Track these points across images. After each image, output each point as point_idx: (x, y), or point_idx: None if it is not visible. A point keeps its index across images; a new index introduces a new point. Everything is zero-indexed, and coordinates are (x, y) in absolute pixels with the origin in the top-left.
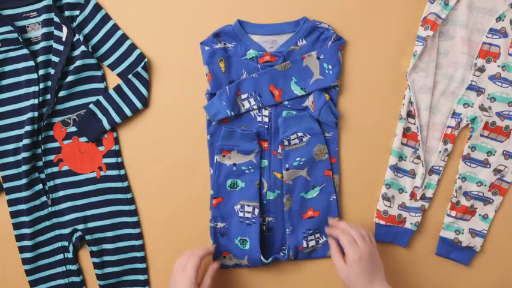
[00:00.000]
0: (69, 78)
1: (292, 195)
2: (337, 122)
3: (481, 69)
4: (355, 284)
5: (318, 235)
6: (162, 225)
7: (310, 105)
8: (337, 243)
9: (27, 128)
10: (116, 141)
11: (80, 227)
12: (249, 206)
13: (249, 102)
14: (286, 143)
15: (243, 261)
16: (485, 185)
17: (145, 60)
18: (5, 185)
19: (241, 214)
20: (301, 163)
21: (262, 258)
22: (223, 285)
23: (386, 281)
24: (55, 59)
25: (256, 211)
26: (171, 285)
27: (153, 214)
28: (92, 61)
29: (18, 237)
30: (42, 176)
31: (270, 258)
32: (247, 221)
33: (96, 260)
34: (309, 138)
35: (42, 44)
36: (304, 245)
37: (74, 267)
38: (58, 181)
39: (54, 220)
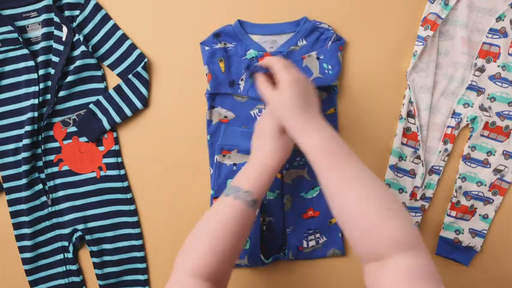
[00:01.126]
0: (69, 78)
1: (292, 195)
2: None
3: (481, 69)
4: (288, 110)
5: (318, 235)
6: (162, 225)
7: None
8: (265, 75)
9: (27, 128)
10: (116, 141)
11: (80, 227)
12: None
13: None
14: None
15: (243, 261)
16: (485, 185)
17: (145, 60)
18: (5, 185)
19: None
20: (301, 163)
21: (262, 258)
22: None
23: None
24: (55, 59)
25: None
26: (255, 135)
27: (153, 214)
28: (92, 61)
29: (18, 237)
30: (42, 176)
31: (270, 258)
32: None
33: (96, 260)
34: None
35: (42, 44)
36: (305, 245)
37: (74, 267)
38: (58, 181)
39: (54, 220)
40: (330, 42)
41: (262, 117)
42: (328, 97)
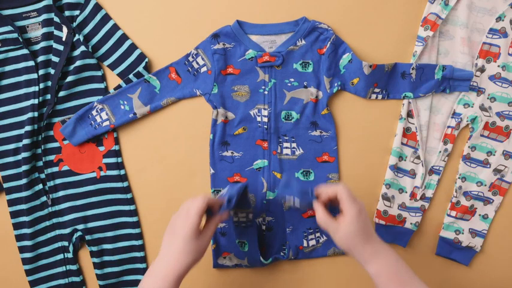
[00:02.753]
0: (69, 78)
1: None
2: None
3: (481, 69)
4: (354, 241)
5: (318, 234)
6: (162, 225)
7: (312, 99)
8: (324, 206)
9: (27, 128)
10: (116, 141)
11: (80, 227)
12: (242, 212)
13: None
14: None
15: (243, 261)
16: (485, 185)
17: (146, 60)
18: (5, 185)
19: (235, 219)
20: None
21: (261, 259)
22: (224, 285)
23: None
24: (55, 59)
25: (250, 216)
26: (167, 230)
27: (153, 214)
28: (92, 61)
29: (18, 237)
30: (42, 176)
31: (270, 259)
32: (243, 224)
33: (96, 260)
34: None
35: (42, 44)
36: (305, 244)
37: (74, 267)
38: (58, 181)
39: (54, 220)
40: (329, 42)
41: (178, 214)
42: (322, 98)
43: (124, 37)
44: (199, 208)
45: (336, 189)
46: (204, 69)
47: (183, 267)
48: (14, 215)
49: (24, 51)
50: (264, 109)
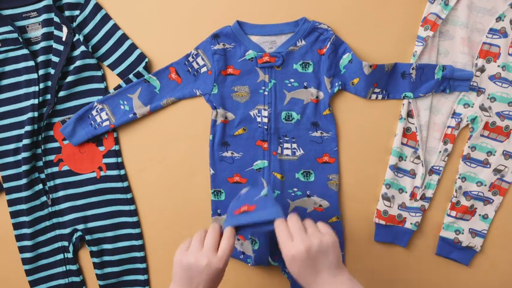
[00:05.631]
0: (69, 78)
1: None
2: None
3: (481, 69)
4: (302, 279)
5: None
6: (162, 225)
7: (312, 99)
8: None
9: (27, 128)
10: (116, 141)
11: (80, 227)
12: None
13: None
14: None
15: (251, 254)
16: (485, 185)
17: (146, 59)
18: (5, 185)
19: None
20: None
21: (270, 260)
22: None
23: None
24: (55, 59)
25: None
26: (180, 276)
27: (153, 214)
28: (92, 61)
29: (18, 237)
30: (42, 176)
31: (277, 263)
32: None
33: (96, 260)
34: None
35: (42, 44)
36: None
37: (74, 267)
38: (58, 181)
39: (54, 220)
40: (329, 42)
41: (191, 261)
42: (323, 99)
43: (124, 37)
44: (200, 235)
45: (276, 229)
46: (204, 69)
47: None
48: (14, 215)
49: (24, 51)
50: (264, 110)
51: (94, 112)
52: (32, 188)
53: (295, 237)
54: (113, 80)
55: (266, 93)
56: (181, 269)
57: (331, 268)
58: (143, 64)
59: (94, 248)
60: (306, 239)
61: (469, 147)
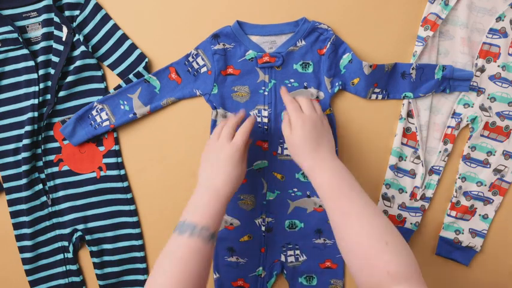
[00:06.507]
0: (69, 78)
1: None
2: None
3: (481, 69)
4: (299, 150)
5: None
6: (162, 225)
7: (312, 99)
8: (289, 117)
9: (27, 128)
10: (116, 141)
11: (80, 227)
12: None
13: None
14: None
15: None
16: (485, 185)
17: (146, 59)
18: (5, 185)
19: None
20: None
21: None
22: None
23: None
24: (55, 59)
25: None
26: (207, 158)
27: (153, 214)
28: (92, 61)
29: (18, 237)
30: (42, 176)
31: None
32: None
33: (96, 260)
34: None
35: (42, 44)
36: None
37: (74, 267)
38: (58, 181)
39: (54, 220)
40: (329, 42)
41: (216, 141)
42: (324, 99)
43: (124, 37)
44: (245, 140)
45: (286, 103)
46: (204, 69)
47: (232, 193)
48: (14, 215)
49: (24, 51)
50: (264, 110)
51: (94, 112)
52: (32, 188)
53: (306, 109)
54: (113, 80)
55: (266, 93)
56: (203, 158)
57: (329, 148)
58: (143, 64)
59: (94, 248)
60: (315, 113)
61: (469, 147)
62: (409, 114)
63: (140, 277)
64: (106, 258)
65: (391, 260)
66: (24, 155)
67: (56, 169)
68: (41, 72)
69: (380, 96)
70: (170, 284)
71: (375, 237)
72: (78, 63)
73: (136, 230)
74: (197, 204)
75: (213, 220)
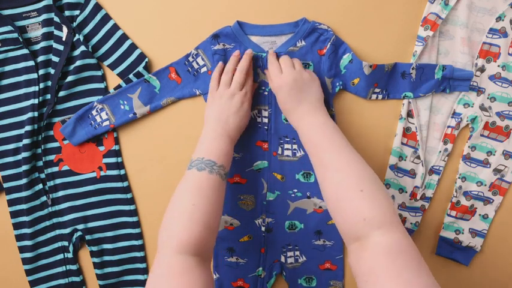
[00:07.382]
0: (69, 78)
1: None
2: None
3: (481, 69)
4: (284, 111)
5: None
6: None
7: None
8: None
9: (27, 128)
10: (116, 141)
11: (80, 227)
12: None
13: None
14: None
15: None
16: (485, 185)
17: (146, 59)
18: (5, 185)
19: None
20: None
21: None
22: None
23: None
24: (55, 58)
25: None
26: (212, 109)
27: (153, 214)
28: (92, 61)
29: (18, 237)
30: (42, 176)
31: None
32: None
33: (96, 260)
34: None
35: (42, 44)
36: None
37: (74, 267)
38: (58, 181)
39: (54, 220)
40: (329, 43)
41: (231, 90)
42: (325, 99)
43: (124, 37)
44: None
45: (268, 65)
46: (204, 69)
47: (240, 134)
48: (14, 215)
49: (24, 51)
50: (264, 110)
51: (94, 112)
52: (32, 188)
53: (284, 70)
54: (113, 80)
55: (266, 93)
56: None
57: (312, 102)
58: (143, 64)
59: (94, 248)
60: (293, 72)
61: (469, 147)
62: (409, 114)
63: (140, 277)
64: (106, 258)
65: (365, 206)
66: (24, 154)
67: (56, 169)
68: (41, 72)
69: (380, 96)
70: (193, 213)
71: (351, 186)
72: (78, 63)
73: (136, 230)
74: (213, 145)
75: (227, 162)
